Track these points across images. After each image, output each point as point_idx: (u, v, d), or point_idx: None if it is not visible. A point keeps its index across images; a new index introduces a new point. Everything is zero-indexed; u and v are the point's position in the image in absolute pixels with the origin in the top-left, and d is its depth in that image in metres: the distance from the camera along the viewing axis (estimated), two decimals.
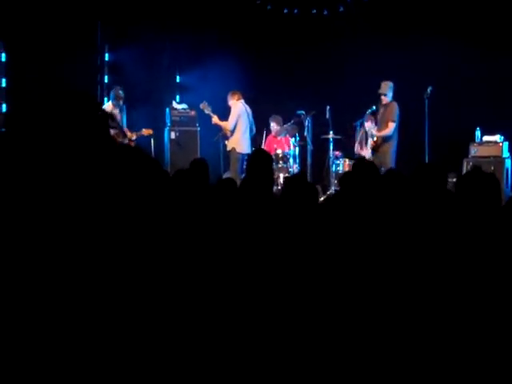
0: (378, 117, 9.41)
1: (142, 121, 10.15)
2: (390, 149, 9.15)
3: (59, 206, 1.72)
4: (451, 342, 2.62)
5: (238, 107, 9.64)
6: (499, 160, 9.06)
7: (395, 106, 9.21)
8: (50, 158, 1.75)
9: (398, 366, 2.55)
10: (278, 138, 10.08)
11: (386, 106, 9.28)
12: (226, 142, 9.76)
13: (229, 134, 9.65)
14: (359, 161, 4.94)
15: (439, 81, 9.43)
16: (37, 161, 1.75)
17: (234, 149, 9.54)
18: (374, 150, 9.33)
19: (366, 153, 9.58)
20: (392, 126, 9.09)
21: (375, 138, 9.32)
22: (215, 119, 9.70)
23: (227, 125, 9.61)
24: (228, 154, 9.74)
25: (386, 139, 9.17)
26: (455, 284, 2.85)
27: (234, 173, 9.16)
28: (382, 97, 9.31)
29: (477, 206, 3.30)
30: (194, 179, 5.05)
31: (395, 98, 9.30)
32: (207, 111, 9.74)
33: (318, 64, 10.85)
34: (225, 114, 9.81)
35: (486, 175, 3.49)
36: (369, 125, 9.63)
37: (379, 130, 9.27)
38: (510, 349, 2.56)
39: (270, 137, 10.26)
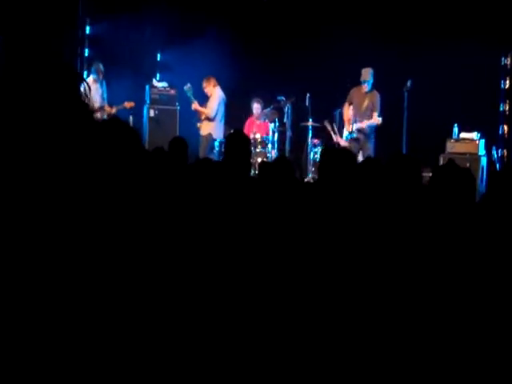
0: (357, 103, 9.34)
1: (120, 97, 10.06)
2: (372, 137, 9.29)
3: (36, 182, 1.69)
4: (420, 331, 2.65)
5: (218, 94, 9.71)
6: (475, 157, 9.15)
7: (378, 96, 9.28)
8: (28, 131, 1.72)
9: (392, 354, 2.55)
10: (258, 122, 10.08)
11: (368, 94, 9.30)
12: (199, 125, 9.77)
13: (203, 118, 9.68)
14: (329, 149, 4.92)
15: (419, 74, 9.47)
16: (13, 133, 1.72)
17: (210, 134, 9.59)
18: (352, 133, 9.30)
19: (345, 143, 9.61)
20: (378, 118, 9.19)
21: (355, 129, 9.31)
22: (195, 105, 9.72)
23: (209, 112, 9.64)
24: (201, 138, 9.74)
25: (370, 129, 9.23)
26: (426, 275, 2.88)
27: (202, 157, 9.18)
28: (364, 84, 9.31)
29: (450, 199, 3.33)
30: (173, 157, 5.03)
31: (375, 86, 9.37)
32: (189, 94, 9.75)
33: (300, 50, 10.82)
34: (203, 97, 9.83)
35: (461, 169, 3.52)
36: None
37: (362, 120, 9.26)
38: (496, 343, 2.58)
39: (249, 119, 10.25)
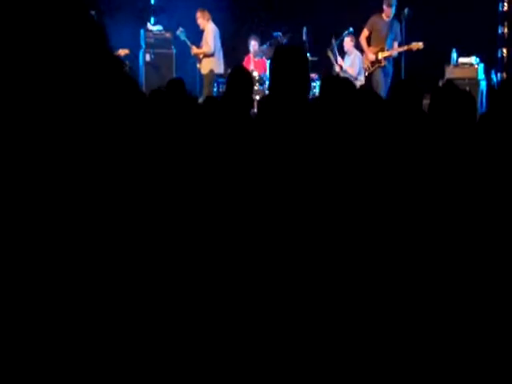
0: (382, 33, 9.16)
1: (114, 42, 9.94)
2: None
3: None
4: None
5: (212, 28, 9.60)
6: (474, 81, 9.10)
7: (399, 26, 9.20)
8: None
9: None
10: (255, 59, 9.99)
11: (392, 23, 9.18)
12: (199, 65, 9.69)
13: (201, 57, 9.59)
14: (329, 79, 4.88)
15: (416, 1, 9.34)
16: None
17: (212, 70, 9.48)
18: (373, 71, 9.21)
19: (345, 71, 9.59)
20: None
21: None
22: (194, 49, 9.62)
23: (208, 48, 9.54)
24: (202, 78, 9.67)
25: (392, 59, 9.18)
26: (432, 207, 2.89)
27: (210, 95, 9.11)
28: (388, 9, 9.10)
29: (451, 121, 3.33)
30: (172, 98, 5.02)
31: None
32: (183, 37, 9.65)
33: None
34: (198, 38, 9.73)
35: (460, 91, 3.52)
36: (350, 46, 9.57)
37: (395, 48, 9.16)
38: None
39: (247, 57, 10.16)
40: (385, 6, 9.14)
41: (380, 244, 2.75)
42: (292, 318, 2.53)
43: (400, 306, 2.61)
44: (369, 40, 9.27)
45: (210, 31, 9.55)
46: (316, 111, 4.01)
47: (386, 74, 9.16)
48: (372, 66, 9.20)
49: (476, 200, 2.85)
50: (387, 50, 9.16)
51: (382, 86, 8.86)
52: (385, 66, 9.15)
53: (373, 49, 9.20)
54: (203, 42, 9.65)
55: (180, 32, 9.72)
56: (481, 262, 2.67)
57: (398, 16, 9.21)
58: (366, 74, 9.29)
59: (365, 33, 9.29)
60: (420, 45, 8.97)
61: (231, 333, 2.47)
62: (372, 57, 9.18)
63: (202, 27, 9.71)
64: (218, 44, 9.67)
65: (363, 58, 9.37)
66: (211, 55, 9.54)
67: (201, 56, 9.65)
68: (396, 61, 9.33)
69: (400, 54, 9.23)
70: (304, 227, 2.74)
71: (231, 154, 3.30)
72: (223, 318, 2.48)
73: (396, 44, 9.23)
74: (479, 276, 2.62)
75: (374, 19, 9.24)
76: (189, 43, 9.70)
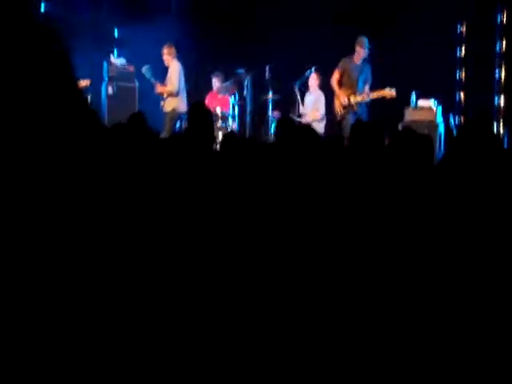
0: (350, 75, 9.12)
1: (77, 74, 9.91)
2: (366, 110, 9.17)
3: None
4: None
5: (177, 66, 9.61)
6: (433, 124, 9.27)
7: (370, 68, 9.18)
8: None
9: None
10: (218, 96, 10.04)
11: (362, 66, 9.16)
12: (163, 103, 9.66)
13: (166, 96, 9.57)
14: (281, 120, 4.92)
15: (378, 43, 9.50)
16: None
17: (174, 109, 9.48)
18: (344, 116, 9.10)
19: (307, 113, 9.65)
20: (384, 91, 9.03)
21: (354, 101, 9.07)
22: (159, 88, 9.59)
23: (171, 88, 9.52)
24: (164, 115, 9.64)
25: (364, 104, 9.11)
26: (389, 239, 2.92)
27: (169, 134, 9.08)
28: (361, 50, 9.06)
29: (409, 164, 3.38)
30: (133, 133, 4.99)
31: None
32: (148, 76, 9.63)
33: (259, 23, 10.79)
34: (162, 71, 9.74)
35: (418, 135, 3.59)
36: (315, 83, 9.60)
37: (367, 92, 9.07)
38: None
39: (210, 94, 10.21)
40: (357, 48, 9.10)
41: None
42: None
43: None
44: (340, 83, 9.22)
45: (176, 69, 9.54)
46: (274, 152, 4.03)
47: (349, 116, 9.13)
48: (343, 110, 9.13)
49: (433, 241, 2.88)
50: (359, 94, 9.10)
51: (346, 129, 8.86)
52: (356, 111, 9.07)
53: (344, 92, 9.12)
54: (168, 81, 9.63)
55: (146, 69, 9.69)
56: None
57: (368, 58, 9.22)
58: (338, 117, 9.20)
59: (336, 75, 9.19)
60: (393, 93, 8.89)
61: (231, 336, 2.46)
62: (344, 100, 9.10)
63: (167, 64, 9.69)
64: (182, 82, 9.67)
65: (335, 101, 9.31)
66: (175, 94, 9.54)
67: (165, 94, 9.64)
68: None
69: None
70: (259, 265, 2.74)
71: (191, 189, 3.29)
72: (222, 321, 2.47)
73: (367, 87, 9.18)
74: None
75: (344, 61, 9.19)
76: (153, 81, 9.67)
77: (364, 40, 9.13)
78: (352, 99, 9.08)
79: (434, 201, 3.11)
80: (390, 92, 8.98)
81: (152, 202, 3.02)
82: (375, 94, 9.04)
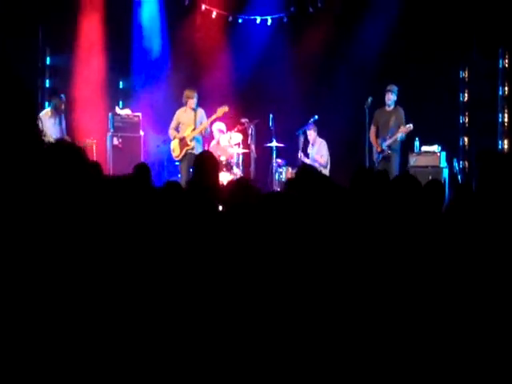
0: (383, 122, 9.44)
1: (83, 126, 10.02)
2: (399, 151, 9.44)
3: None
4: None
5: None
6: (437, 170, 9.29)
7: (402, 111, 9.46)
8: None
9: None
10: (222, 145, 10.09)
11: (393, 111, 9.44)
12: (192, 144, 9.40)
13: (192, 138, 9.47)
14: (302, 167, 4.96)
15: (380, 90, 9.61)
16: None
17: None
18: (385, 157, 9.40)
19: (309, 161, 9.73)
20: (408, 126, 9.29)
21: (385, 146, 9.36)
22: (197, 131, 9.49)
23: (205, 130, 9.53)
24: (189, 157, 9.20)
25: (397, 144, 9.35)
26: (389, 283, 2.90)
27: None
28: (388, 94, 9.46)
29: (412, 210, 3.37)
30: (137, 184, 5.00)
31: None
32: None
33: (263, 72, 10.94)
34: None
35: (417, 181, 3.58)
36: (314, 136, 9.82)
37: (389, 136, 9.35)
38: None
39: (215, 143, 10.26)
40: (387, 93, 9.49)
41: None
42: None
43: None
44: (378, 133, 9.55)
45: (203, 112, 9.55)
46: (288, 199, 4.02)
47: (387, 160, 9.32)
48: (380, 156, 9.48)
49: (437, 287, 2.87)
50: (389, 138, 9.34)
51: (391, 173, 8.94)
52: (386, 154, 9.35)
53: (378, 140, 9.49)
54: (199, 124, 9.50)
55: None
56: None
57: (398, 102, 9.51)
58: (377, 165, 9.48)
59: (372, 129, 9.54)
60: (411, 127, 9.26)
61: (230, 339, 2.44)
62: (378, 149, 9.46)
63: (192, 106, 9.52)
64: None
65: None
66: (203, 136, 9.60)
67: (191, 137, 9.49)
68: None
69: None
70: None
71: (197, 240, 3.27)
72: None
73: (401, 128, 9.38)
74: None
75: (376, 113, 9.54)
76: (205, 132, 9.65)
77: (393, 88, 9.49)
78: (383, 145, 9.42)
79: (444, 248, 3.09)
80: (408, 127, 9.27)
81: (150, 255, 3.01)
82: (398, 134, 9.29)
